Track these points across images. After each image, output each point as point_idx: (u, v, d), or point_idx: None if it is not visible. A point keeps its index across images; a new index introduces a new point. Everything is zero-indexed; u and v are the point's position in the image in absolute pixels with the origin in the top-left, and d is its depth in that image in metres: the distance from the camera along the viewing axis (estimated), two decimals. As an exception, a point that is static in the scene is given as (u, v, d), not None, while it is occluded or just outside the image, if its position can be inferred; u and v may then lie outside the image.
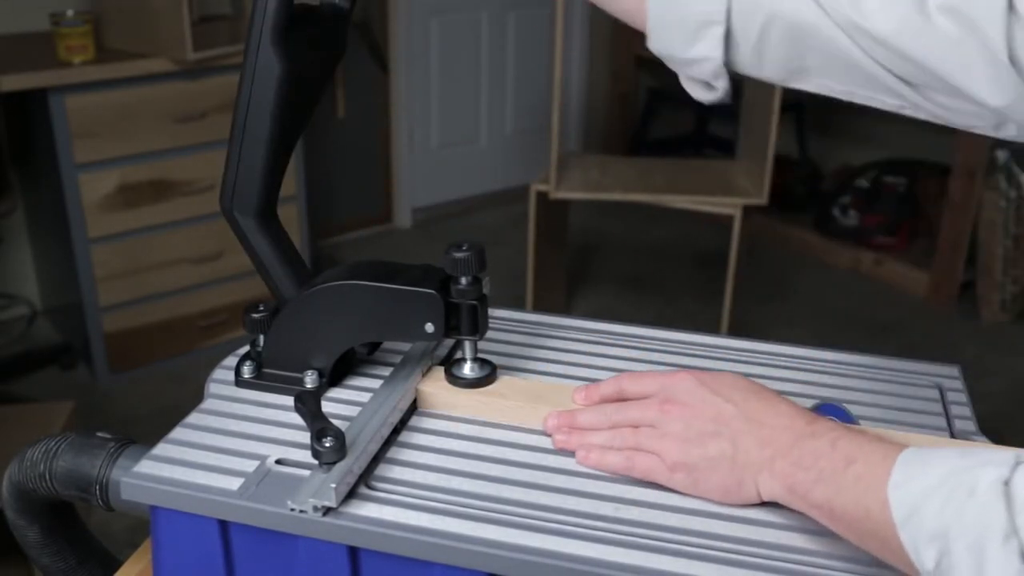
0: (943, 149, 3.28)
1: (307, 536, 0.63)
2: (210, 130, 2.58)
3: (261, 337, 0.77)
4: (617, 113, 4.28)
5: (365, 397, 0.75)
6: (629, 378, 0.73)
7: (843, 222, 3.53)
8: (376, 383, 0.77)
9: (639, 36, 0.70)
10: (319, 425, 0.65)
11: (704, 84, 0.69)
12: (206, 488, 0.64)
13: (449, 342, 0.82)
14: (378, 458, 0.68)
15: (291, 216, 2.77)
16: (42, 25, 2.56)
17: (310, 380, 0.75)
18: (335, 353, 0.75)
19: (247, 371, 0.77)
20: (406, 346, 0.81)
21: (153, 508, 0.66)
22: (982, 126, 0.63)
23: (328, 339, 0.75)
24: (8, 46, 2.52)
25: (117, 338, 2.60)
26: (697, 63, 0.67)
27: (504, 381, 0.77)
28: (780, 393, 0.68)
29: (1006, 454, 0.53)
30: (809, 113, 3.92)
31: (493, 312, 0.82)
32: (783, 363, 0.84)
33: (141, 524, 0.68)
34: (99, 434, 0.74)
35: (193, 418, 0.73)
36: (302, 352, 0.75)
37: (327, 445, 0.63)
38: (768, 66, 0.67)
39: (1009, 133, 0.62)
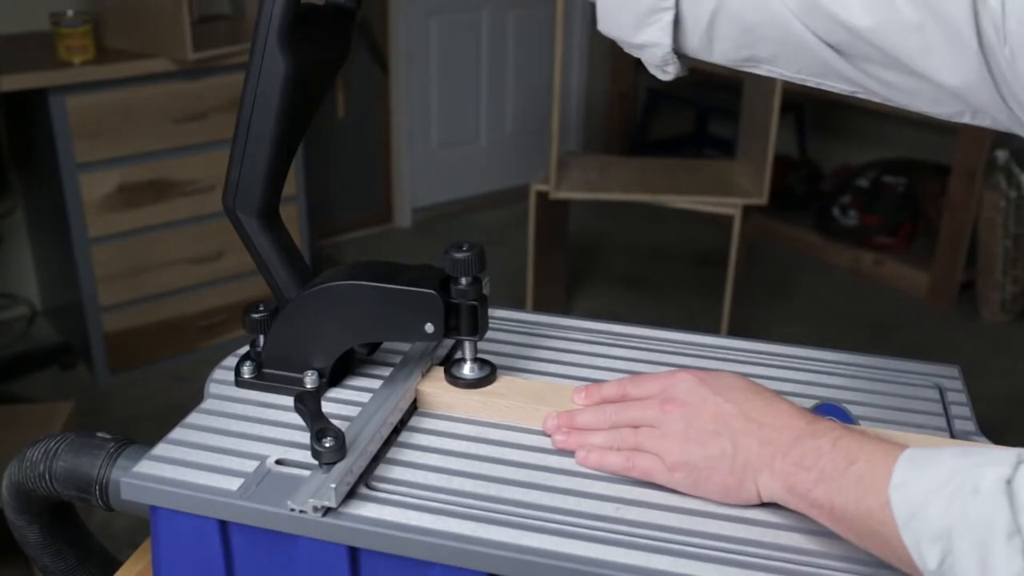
0: (943, 149, 3.28)
1: (307, 536, 0.63)
2: (210, 130, 2.58)
3: (261, 337, 0.77)
4: (617, 113, 4.28)
5: (365, 397, 0.75)
6: (632, 381, 0.73)
7: (843, 222, 3.53)
8: (376, 383, 0.77)
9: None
10: (319, 425, 0.65)
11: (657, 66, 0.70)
12: (206, 488, 0.64)
13: (449, 342, 0.82)
14: (378, 458, 0.68)
15: (291, 216, 2.77)
16: (42, 25, 2.56)
17: (310, 380, 0.75)
18: (335, 353, 0.75)
19: (247, 371, 0.77)
20: (406, 346, 0.81)
21: (153, 508, 0.66)
22: (939, 112, 0.63)
23: (328, 339, 0.75)
24: (8, 46, 2.52)
25: (117, 338, 2.60)
26: (647, 48, 0.68)
27: (504, 381, 0.77)
28: (780, 393, 0.68)
29: (1008, 453, 0.53)
30: (809, 113, 3.92)
31: (493, 312, 0.82)
32: (783, 363, 0.84)
33: (141, 524, 0.68)
34: (99, 434, 0.74)
35: (193, 418, 0.73)
36: (302, 352, 0.75)
37: (327, 445, 0.64)
38: (718, 51, 0.67)
39: (965, 119, 0.63)
